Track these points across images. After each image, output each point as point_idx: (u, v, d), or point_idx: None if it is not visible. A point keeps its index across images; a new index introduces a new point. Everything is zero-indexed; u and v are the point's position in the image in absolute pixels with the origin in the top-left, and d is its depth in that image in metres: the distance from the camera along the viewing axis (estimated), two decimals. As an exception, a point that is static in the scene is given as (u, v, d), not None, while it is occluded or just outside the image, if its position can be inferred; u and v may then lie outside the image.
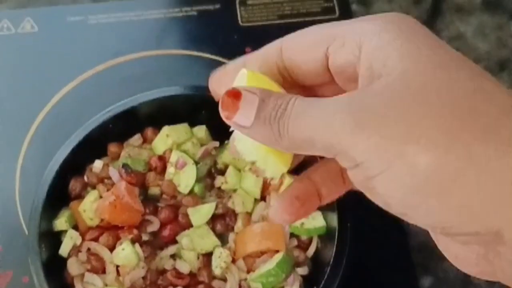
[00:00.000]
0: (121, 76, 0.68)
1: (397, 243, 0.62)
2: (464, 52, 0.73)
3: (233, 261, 0.54)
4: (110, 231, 0.53)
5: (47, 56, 0.69)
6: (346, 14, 0.73)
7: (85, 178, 0.56)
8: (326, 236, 0.55)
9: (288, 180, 0.56)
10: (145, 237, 0.54)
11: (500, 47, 0.74)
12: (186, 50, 0.71)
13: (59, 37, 0.71)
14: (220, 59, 0.70)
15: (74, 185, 0.55)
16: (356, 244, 0.53)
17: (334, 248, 0.51)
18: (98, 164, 0.56)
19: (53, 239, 0.53)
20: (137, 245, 0.52)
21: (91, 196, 0.54)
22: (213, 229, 0.55)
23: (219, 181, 0.57)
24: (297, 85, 0.36)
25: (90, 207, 0.53)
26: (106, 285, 0.52)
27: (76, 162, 0.56)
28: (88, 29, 0.71)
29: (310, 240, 0.56)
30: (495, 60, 0.72)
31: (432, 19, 0.75)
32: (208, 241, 0.54)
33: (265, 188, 0.57)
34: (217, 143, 0.58)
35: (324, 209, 0.55)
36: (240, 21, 0.73)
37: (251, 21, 0.73)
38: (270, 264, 0.52)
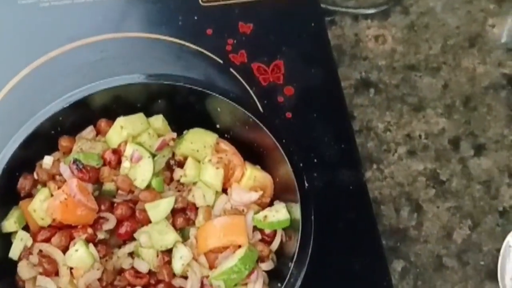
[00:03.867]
0: (76, 62, 0.65)
1: (365, 230, 0.60)
2: (434, 28, 0.71)
3: (195, 257, 0.52)
4: (63, 231, 0.50)
5: (-4, 42, 0.65)
6: None
7: (35, 175, 0.53)
8: (291, 228, 0.53)
9: (249, 171, 0.54)
10: (100, 236, 0.51)
11: (470, 22, 0.71)
12: (145, 32, 0.68)
13: (9, 22, 0.67)
14: (181, 41, 0.67)
15: (23, 183, 0.52)
16: (322, 235, 0.51)
17: (298, 243, 0.49)
18: (48, 160, 0.53)
19: (2, 241, 0.51)
20: (91, 245, 0.50)
21: (41, 195, 0.51)
22: (173, 225, 0.53)
23: (178, 174, 0.54)
24: None
25: (41, 206, 0.50)
26: (60, 288, 0.50)
27: (25, 158, 0.52)
28: (40, 12, 0.67)
29: (274, 233, 0.53)
30: (465, 36, 0.70)
31: (400, -6, 0.72)
32: (168, 237, 0.52)
33: (226, 180, 0.54)
34: (175, 134, 0.55)
35: (288, 201, 0.53)
36: (200, 1, 0.69)
37: (212, 0, 0.70)
38: (232, 260, 0.50)
